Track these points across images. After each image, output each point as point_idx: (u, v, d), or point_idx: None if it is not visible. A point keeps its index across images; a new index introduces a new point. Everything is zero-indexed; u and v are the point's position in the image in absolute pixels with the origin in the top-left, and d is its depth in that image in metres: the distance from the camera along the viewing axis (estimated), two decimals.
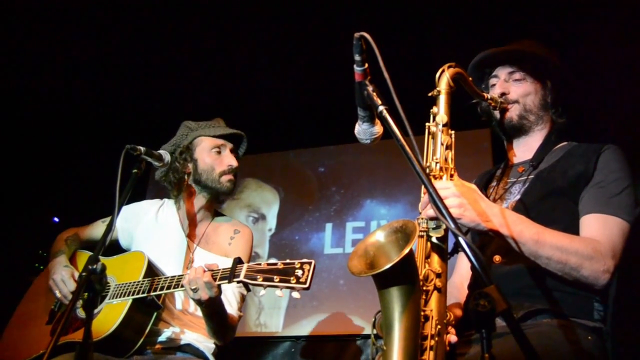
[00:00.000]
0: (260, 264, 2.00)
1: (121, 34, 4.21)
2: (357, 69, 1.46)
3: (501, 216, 1.60)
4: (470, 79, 1.84)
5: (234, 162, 2.53)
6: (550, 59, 1.99)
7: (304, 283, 1.88)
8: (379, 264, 1.43)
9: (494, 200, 1.93)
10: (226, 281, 2.02)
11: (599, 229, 1.68)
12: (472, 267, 1.19)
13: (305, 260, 1.94)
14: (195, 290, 2.02)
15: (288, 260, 1.96)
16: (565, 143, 1.99)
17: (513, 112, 1.98)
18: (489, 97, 1.94)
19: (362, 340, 4.41)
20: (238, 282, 2.00)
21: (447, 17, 3.90)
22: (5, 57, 4.37)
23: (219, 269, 2.07)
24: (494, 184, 2.06)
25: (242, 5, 3.96)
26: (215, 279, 2.04)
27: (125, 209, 2.61)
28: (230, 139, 2.59)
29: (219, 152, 2.53)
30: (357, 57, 1.43)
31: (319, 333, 4.65)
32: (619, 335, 1.68)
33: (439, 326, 1.47)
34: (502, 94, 1.98)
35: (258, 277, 1.96)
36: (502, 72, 2.02)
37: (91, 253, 1.84)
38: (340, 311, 4.65)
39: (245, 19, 4.07)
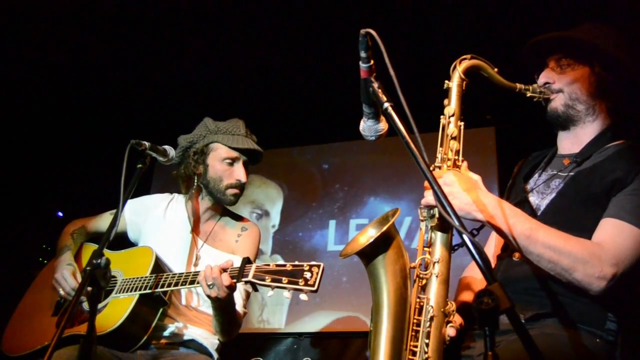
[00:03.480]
0: (269, 265, 1.99)
1: (127, 29, 4.21)
2: (362, 65, 1.45)
3: (493, 208, 1.57)
4: (496, 69, 1.79)
5: (242, 178, 2.49)
6: (593, 42, 1.83)
7: (312, 286, 1.86)
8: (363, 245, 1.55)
9: (531, 191, 1.89)
10: (234, 281, 2.02)
11: (611, 235, 1.60)
12: (476, 263, 1.19)
13: (314, 263, 1.92)
14: (211, 287, 2.03)
15: (297, 262, 1.94)
16: (620, 142, 1.82)
17: (558, 102, 1.86)
18: (522, 87, 1.84)
19: (364, 338, 4.41)
20: (246, 282, 2.00)
21: (455, 12, 3.88)
22: (12, 50, 4.37)
23: (229, 266, 2.07)
24: (537, 173, 1.96)
25: (247, 2, 3.95)
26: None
27: (136, 202, 2.63)
28: (246, 151, 2.52)
29: (231, 164, 2.49)
30: (362, 54, 1.42)
31: (322, 330, 4.66)
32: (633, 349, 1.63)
33: (432, 313, 1.49)
34: (546, 83, 1.87)
35: (266, 277, 1.95)
36: (550, 60, 1.90)
37: (97, 246, 1.85)
38: (343, 308, 4.66)
39: (249, 15, 4.07)
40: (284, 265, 1.95)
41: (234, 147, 2.47)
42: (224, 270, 2.03)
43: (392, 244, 1.55)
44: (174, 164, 2.51)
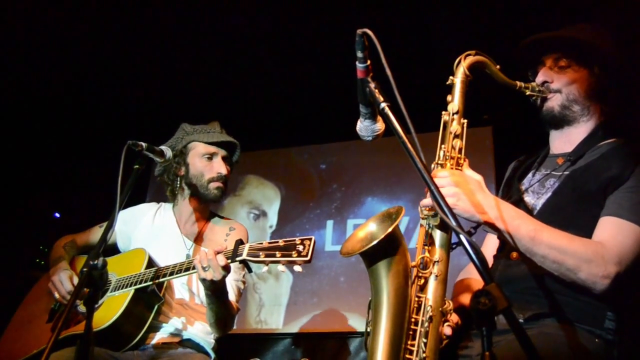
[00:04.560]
0: (262, 243, 2.03)
1: (123, 30, 4.20)
2: (359, 65, 1.44)
3: (498, 209, 1.56)
4: (498, 67, 1.78)
5: (223, 170, 2.55)
6: (596, 44, 1.84)
7: (306, 256, 1.90)
8: (367, 246, 1.49)
9: (526, 191, 1.89)
10: (229, 261, 2.05)
11: (612, 233, 1.60)
12: (473, 263, 1.19)
13: (305, 236, 1.97)
14: (206, 269, 2.04)
15: (288, 238, 1.99)
16: (613, 140, 1.83)
17: (554, 102, 1.86)
18: (522, 85, 1.83)
19: (362, 338, 4.41)
20: (241, 261, 2.03)
21: (452, 11, 3.88)
22: (9, 51, 4.36)
23: (223, 249, 2.09)
24: (530, 172, 1.97)
25: (245, 2, 3.95)
26: None
27: (124, 212, 2.66)
28: (224, 145, 2.62)
29: (210, 159, 2.57)
30: (359, 54, 1.42)
31: (319, 330, 4.66)
32: (630, 347, 1.63)
33: (431, 313, 1.48)
34: (544, 82, 1.87)
35: (260, 254, 1.99)
36: (547, 59, 1.90)
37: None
38: (341, 308, 4.66)
39: (247, 14, 4.07)
40: (277, 242, 2.00)
41: (210, 142, 2.57)
42: (218, 252, 2.06)
43: (395, 244, 1.52)
44: (159, 171, 2.60)
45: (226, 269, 2.04)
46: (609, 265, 1.53)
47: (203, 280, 2.08)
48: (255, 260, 2.00)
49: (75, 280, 2.40)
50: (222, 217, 2.73)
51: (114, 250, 2.64)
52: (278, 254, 1.95)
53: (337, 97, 4.08)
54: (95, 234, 2.68)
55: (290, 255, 1.93)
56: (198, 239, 2.57)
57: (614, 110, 1.89)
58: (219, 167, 2.56)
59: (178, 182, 2.59)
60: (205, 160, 2.55)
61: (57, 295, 2.37)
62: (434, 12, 3.91)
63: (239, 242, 2.08)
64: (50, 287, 2.40)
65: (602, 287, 1.53)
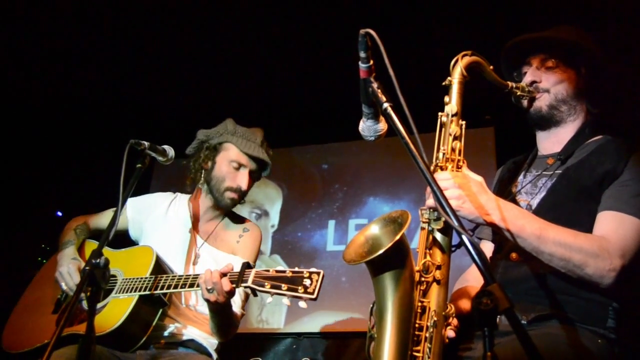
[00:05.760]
0: (268, 271, 1.97)
1: (127, 28, 4.21)
2: (362, 65, 1.44)
3: (502, 210, 1.56)
4: (492, 67, 1.78)
5: (244, 185, 2.50)
6: (584, 45, 1.88)
7: (312, 294, 1.84)
8: (372, 253, 1.46)
9: (519, 192, 1.89)
10: (234, 286, 2.01)
11: (613, 227, 1.62)
12: (475, 264, 1.18)
13: (313, 270, 1.90)
14: (210, 291, 2.02)
15: (297, 269, 1.92)
16: (600, 137, 1.87)
17: (542, 102, 1.88)
18: (513, 85, 1.84)
19: (363, 338, 4.40)
20: (245, 287, 1.99)
21: (455, 11, 3.88)
22: (10, 49, 4.37)
23: (229, 270, 2.06)
24: (521, 174, 1.98)
25: (247, 1, 3.95)
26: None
27: (138, 200, 2.64)
28: (255, 160, 2.56)
29: (237, 169, 2.52)
30: (362, 54, 1.42)
31: (321, 330, 4.66)
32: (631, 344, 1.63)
33: (435, 318, 1.47)
34: (533, 82, 1.88)
35: (266, 284, 1.93)
36: (534, 60, 1.92)
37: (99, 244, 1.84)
38: (342, 308, 4.66)
39: (249, 14, 4.07)
40: (284, 272, 1.93)
41: (244, 152, 2.50)
42: (224, 274, 2.02)
43: (402, 252, 1.49)
44: (189, 154, 2.58)
45: (230, 293, 2.01)
46: (614, 259, 1.54)
47: (207, 300, 2.06)
48: (259, 290, 1.94)
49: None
50: (237, 217, 2.68)
51: (125, 237, 2.62)
52: (284, 286, 1.89)
53: (340, 97, 4.08)
54: (107, 218, 2.65)
55: (296, 290, 1.86)
56: (210, 238, 2.54)
57: (600, 109, 1.92)
58: (242, 180, 2.50)
59: (201, 174, 2.55)
60: (232, 168, 2.49)
61: (64, 287, 2.36)
62: (438, 10, 3.91)
63: (245, 266, 2.03)
64: (58, 277, 2.38)
65: (609, 280, 1.54)
